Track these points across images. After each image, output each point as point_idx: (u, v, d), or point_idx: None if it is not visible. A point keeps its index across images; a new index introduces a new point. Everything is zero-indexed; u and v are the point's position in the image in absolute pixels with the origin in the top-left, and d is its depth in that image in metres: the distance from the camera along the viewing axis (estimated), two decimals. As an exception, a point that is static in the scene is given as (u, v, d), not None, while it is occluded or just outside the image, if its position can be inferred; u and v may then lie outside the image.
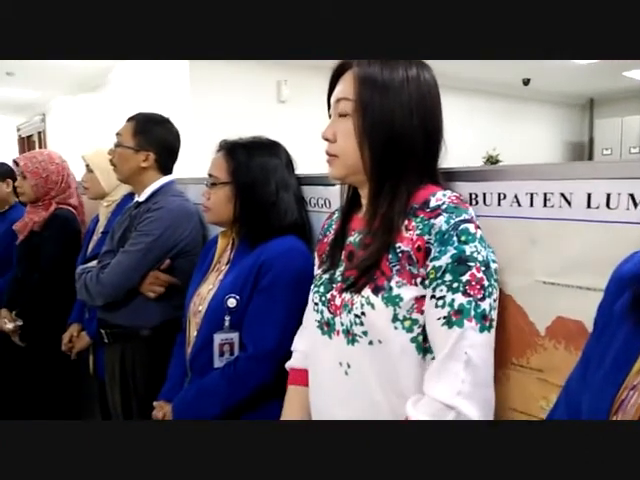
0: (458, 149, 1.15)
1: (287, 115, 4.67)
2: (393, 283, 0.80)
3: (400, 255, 0.80)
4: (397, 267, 0.80)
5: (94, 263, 1.58)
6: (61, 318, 1.90)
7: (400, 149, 0.83)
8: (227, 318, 1.16)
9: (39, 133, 8.02)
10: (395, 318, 0.80)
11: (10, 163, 2.40)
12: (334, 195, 1.22)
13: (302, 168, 1.32)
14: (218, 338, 1.16)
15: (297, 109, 4.67)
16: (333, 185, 1.20)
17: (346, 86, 0.86)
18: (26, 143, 8.78)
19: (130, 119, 1.61)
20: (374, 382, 0.82)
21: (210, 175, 1.25)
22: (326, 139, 0.89)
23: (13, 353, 2.00)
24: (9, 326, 1.95)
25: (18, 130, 8.92)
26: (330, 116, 0.91)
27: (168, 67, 4.44)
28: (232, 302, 1.16)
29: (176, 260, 1.51)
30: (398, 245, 0.81)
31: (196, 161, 1.93)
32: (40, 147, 7.95)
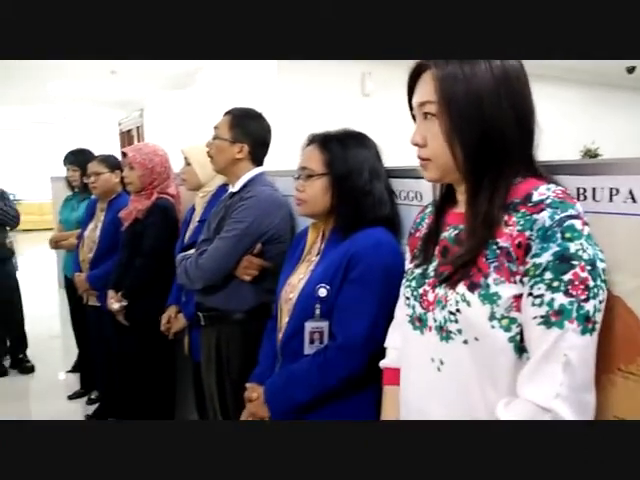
0: (553, 142, 1.10)
1: (371, 108, 4.66)
2: (490, 280, 0.78)
3: (498, 252, 0.78)
4: (495, 264, 0.78)
5: (192, 251, 1.69)
6: (161, 300, 2.05)
7: (493, 139, 0.80)
8: (317, 307, 1.20)
9: (137, 128, 8.61)
10: (492, 316, 0.78)
11: (114, 155, 2.63)
12: (425, 188, 1.21)
13: (388, 161, 1.31)
14: (309, 326, 1.20)
15: (381, 102, 4.65)
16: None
17: (426, 88, 0.83)
18: (126, 137, 9.47)
19: (227, 113, 1.70)
20: (469, 380, 0.81)
21: (304, 168, 1.27)
22: (415, 144, 0.87)
23: (119, 332, 2.20)
24: (115, 306, 2.13)
25: (119, 125, 9.65)
26: (414, 119, 0.89)
27: (256, 63, 4.58)
28: (322, 292, 1.20)
29: (266, 246, 1.59)
30: (497, 241, 0.79)
31: (282, 154, 2.00)
32: (138, 141, 8.53)
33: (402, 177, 1.29)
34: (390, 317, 1.10)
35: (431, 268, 0.90)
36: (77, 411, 2.87)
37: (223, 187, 1.94)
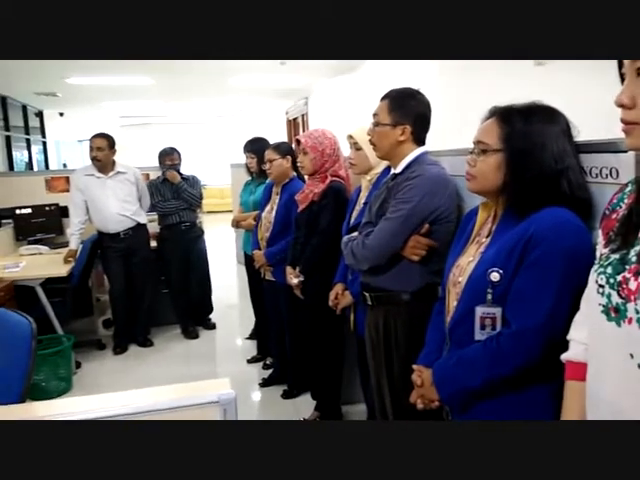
0: None
1: (545, 79, 4.24)
2: None
3: None
4: None
5: (356, 234, 1.75)
6: (332, 277, 2.17)
7: None
8: (490, 292, 1.15)
9: (302, 115, 9.09)
10: None
11: (286, 142, 2.83)
12: (625, 164, 1.07)
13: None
14: (480, 311, 1.16)
15: (554, 73, 4.20)
16: (625, 152, 1.06)
17: None
18: (292, 125, 10.08)
19: (384, 97, 1.69)
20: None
21: (479, 142, 1.21)
22: (621, 105, 0.76)
23: (293, 305, 2.39)
24: (294, 281, 2.32)
25: (286, 113, 10.30)
26: (622, 78, 0.78)
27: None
28: (495, 276, 1.14)
29: (433, 226, 1.56)
30: None
31: (445, 135, 1.93)
32: (304, 128, 9.02)
33: (593, 152, 1.16)
34: (572, 306, 1.01)
35: (632, 253, 0.80)
36: (254, 374, 3.21)
37: (388, 169, 1.96)
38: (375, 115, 1.69)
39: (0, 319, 1.64)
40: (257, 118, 12.30)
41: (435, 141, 1.83)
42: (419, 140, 1.67)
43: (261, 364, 3.30)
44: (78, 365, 3.34)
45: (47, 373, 2.92)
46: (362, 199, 2.08)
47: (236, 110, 11.00)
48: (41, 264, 3.46)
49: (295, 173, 2.73)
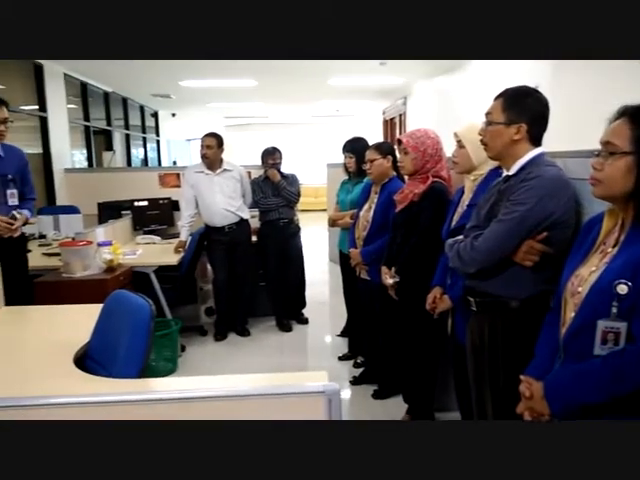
0: None
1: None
2: None
3: None
4: None
5: (461, 237, 1.70)
6: (429, 279, 2.13)
7: None
8: (615, 305, 1.07)
9: (400, 115, 9.00)
10: None
11: (387, 142, 2.82)
12: None
13: None
14: (602, 325, 1.08)
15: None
16: None
17: None
18: (389, 125, 10.02)
19: (498, 96, 1.62)
20: None
21: (607, 143, 1.13)
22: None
23: (387, 305, 2.38)
24: (389, 281, 2.32)
25: (383, 113, 10.26)
26: None
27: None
28: (623, 288, 1.06)
29: (549, 231, 1.48)
30: None
31: (560, 135, 1.81)
32: (401, 128, 8.93)
33: None
34: None
35: None
36: (345, 371, 3.24)
37: (495, 171, 1.88)
38: (488, 114, 1.63)
39: (124, 300, 1.81)
40: (353, 118, 12.39)
41: (549, 142, 1.73)
42: (535, 140, 1.58)
43: (352, 362, 3.32)
44: (183, 348, 3.60)
45: (156, 354, 3.17)
46: (465, 201, 2.02)
47: (332, 110, 11.16)
48: (154, 253, 3.77)
49: (395, 173, 2.72)
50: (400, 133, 8.78)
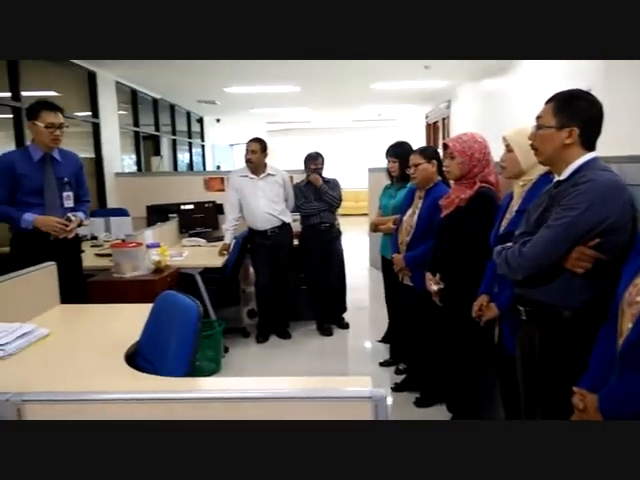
0: None
1: None
2: None
3: None
4: None
5: (509, 244, 1.66)
6: (475, 287, 2.09)
7: None
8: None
9: (443, 119, 8.88)
10: None
11: (432, 146, 2.79)
12: None
13: None
14: (665, 336, 1.04)
15: None
16: None
17: None
18: (432, 129, 9.90)
19: (549, 100, 1.58)
20: None
21: None
22: None
23: (430, 312, 2.35)
24: (434, 288, 2.28)
25: (426, 117, 10.15)
26: None
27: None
28: (686, 298, 1.01)
29: (603, 237, 1.42)
30: None
31: (614, 140, 1.75)
32: (444, 132, 8.81)
33: None
34: None
35: None
36: (386, 377, 3.21)
37: (545, 176, 1.83)
38: (539, 118, 1.59)
39: (172, 300, 1.86)
40: (395, 122, 12.31)
41: (603, 147, 1.67)
42: (588, 145, 1.53)
43: (393, 368, 3.29)
44: (226, 349, 3.66)
45: (200, 354, 3.24)
46: (514, 207, 1.97)
47: (374, 115, 11.13)
48: (200, 255, 3.86)
49: (440, 178, 2.68)
50: (443, 137, 8.66)
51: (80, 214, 2.89)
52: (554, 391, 1.48)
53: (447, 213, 2.29)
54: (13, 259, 2.66)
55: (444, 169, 2.39)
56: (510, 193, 2.06)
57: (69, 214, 2.81)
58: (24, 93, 4.31)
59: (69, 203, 2.85)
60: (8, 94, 4.24)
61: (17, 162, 2.70)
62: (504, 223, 1.98)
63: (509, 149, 1.98)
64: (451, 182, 2.47)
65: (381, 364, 3.41)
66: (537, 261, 1.49)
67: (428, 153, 2.71)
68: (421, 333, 2.65)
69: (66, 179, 2.84)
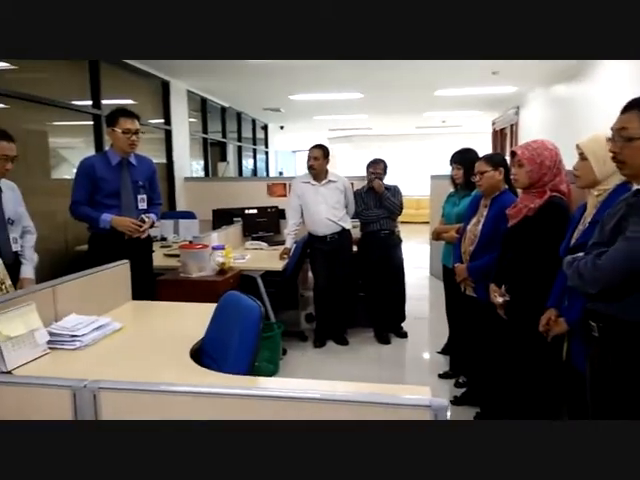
0: None
1: None
2: None
3: None
4: None
5: (581, 254, 1.58)
6: (543, 300, 2.00)
7: None
8: None
9: (511, 126, 8.59)
10: None
11: (500, 154, 2.70)
12: None
13: None
14: None
15: None
16: None
17: None
18: (499, 136, 9.60)
19: (630, 108, 1.46)
20: None
21: None
22: None
23: (495, 325, 2.27)
24: (499, 300, 2.21)
25: (493, 124, 9.86)
26: None
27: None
28: None
29: None
30: None
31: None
32: (512, 140, 8.52)
33: None
34: None
35: None
36: (445, 390, 3.14)
37: (623, 186, 1.73)
38: (622, 129, 1.47)
39: (236, 301, 1.92)
40: (460, 129, 12.05)
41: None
42: None
43: (453, 381, 3.21)
44: (284, 352, 3.72)
45: (260, 355, 3.31)
46: (587, 218, 1.87)
47: (438, 122, 10.95)
48: (261, 258, 3.95)
49: (507, 186, 2.60)
50: (511, 144, 8.38)
51: (152, 216, 3.04)
52: (626, 415, 1.39)
53: (514, 223, 2.21)
54: (90, 257, 2.85)
55: (512, 177, 2.31)
56: (584, 204, 1.96)
57: (142, 215, 2.96)
58: (104, 101, 4.61)
59: (143, 205, 3.01)
60: (89, 102, 4.56)
61: (97, 166, 2.89)
62: (576, 235, 1.89)
63: (583, 157, 1.89)
64: (519, 191, 2.38)
65: (440, 376, 3.33)
66: (614, 275, 1.41)
67: (495, 160, 2.63)
68: (484, 346, 2.57)
69: (141, 182, 3.00)
